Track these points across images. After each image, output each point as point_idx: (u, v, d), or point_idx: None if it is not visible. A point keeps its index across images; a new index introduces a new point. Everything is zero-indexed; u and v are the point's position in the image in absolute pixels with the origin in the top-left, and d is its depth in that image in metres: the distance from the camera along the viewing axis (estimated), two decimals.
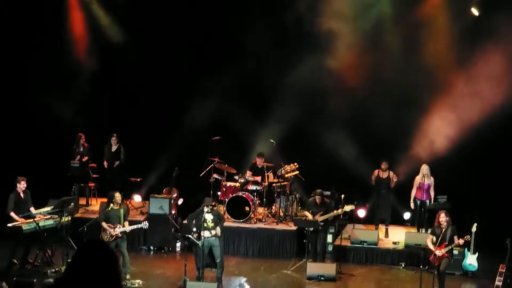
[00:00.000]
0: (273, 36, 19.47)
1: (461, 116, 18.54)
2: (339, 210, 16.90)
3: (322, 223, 16.70)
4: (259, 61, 19.55)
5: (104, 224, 15.24)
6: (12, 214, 15.72)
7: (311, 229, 16.66)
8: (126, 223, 15.33)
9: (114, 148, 20.02)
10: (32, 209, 16.12)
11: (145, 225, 15.54)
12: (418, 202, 18.08)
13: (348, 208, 16.91)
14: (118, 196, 15.38)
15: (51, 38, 20.02)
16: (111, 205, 15.28)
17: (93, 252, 4.14)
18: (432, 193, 17.99)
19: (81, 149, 19.74)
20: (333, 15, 19.19)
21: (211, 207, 15.08)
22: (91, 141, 19.91)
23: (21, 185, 15.98)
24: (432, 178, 17.98)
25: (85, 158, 19.63)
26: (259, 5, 19.56)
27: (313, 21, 19.23)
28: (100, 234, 15.21)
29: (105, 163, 20.02)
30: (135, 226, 15.40)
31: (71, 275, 4.07)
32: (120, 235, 15.16)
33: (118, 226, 15.18)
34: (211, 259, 15.14)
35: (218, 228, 14.93)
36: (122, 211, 15.31)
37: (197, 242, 14.83)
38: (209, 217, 14.90)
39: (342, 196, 17.07)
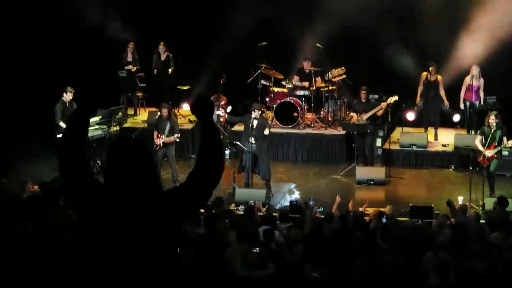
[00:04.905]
0: None
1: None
2: (383, 104, 16.77)
3: (368, 122, 16.61)
4: None
5: (155, 133, 15.48)
6: (61, 123, 15.78)
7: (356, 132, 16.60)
8: (164, 136, 15.45)
9: (163, 57, 19.70)
10: None
11: (177, 138, 15.59)
12: (468, 103, 17.74)
13: (392, 99, 16.77)
14: (164, 111, 15.59)
15: None
16: (158, 113, 15.53)
17: (125, 146, 4.29)
18: (481, 94, 17.65)
19: (130, 59, 19.66)
20: None
21: (259, 112, 15.17)
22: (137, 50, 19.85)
23: (67, 96, 16.09)
24: (481, 80, 17.57)
25: (134, 69, 19.54)
26: None
27: None
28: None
29: (155, 71, 19.79)
30: (167, 139, 15.45)
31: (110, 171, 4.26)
32: (162, 145, 15.34)
33: (161, 137, 15.38)
34: (257, 166, 15.26)
35: (267, 129, 15.10)
36: (168, 124, 15.46)
37: (245, 148, 14.95)
38: (254, 123, 14.96)
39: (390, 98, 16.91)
